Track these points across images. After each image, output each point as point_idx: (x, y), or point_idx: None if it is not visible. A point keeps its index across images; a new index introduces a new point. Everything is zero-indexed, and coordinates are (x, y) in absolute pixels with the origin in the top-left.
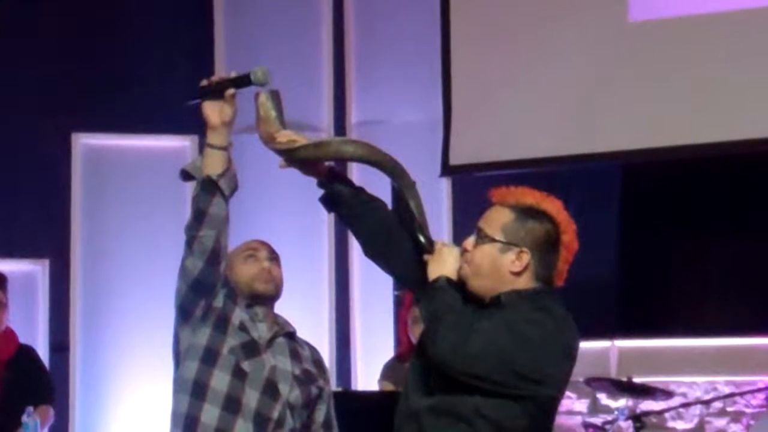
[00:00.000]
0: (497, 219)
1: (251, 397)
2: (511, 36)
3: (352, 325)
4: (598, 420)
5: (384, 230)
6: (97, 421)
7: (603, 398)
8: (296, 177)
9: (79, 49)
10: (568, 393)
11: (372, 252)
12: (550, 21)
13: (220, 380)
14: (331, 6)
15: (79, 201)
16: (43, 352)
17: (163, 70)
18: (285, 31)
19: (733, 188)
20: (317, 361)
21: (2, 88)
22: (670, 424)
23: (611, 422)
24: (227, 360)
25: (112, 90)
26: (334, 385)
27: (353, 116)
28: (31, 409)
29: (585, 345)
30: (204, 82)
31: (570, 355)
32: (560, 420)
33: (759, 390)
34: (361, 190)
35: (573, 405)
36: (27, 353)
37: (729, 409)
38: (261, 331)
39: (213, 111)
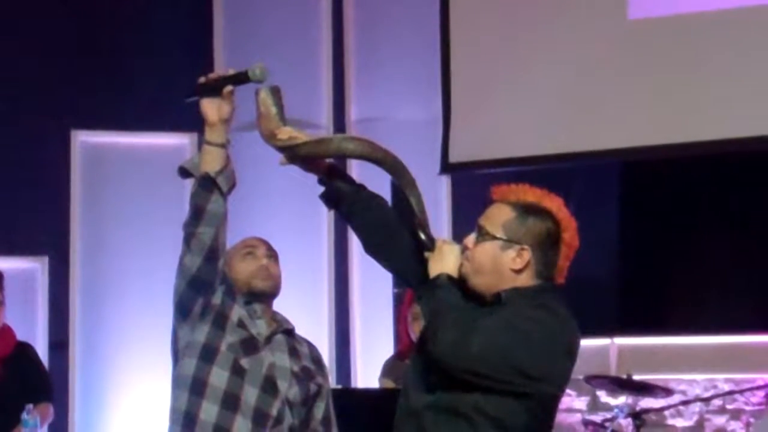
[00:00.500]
0: (498, 216)
1: (250, 394)
2: (511, 34)
3: (351, 322)
4: (597, 417)
5: (384, 227)
6: (96, 418)
7: (603, 396)
8: (295, 174)
9: (78, 47)
10: (567, 390)
11: (372, 249)
12: (549, 19)
13: (218, 377)
14: (330, 3)
15: (78, 198)
16: (42, 350)
17: (162, 67)
18: (284, 27)
19: (733, 186)
20: (316, 359)
21: (1, 86)
22: (670, 421)
23: (611, 420)
24: (226, 357)
25: (112, 87)
26: (333, 383)
27: (353, 113)
28: (31, 406)
29: (585, 342)
30: (202, 80)
31: (570, 353)
32: (560, 417)
33: (758, 388)
34: (361, 187)
35: (573, 402)
36: (25, 351)
37: (728, 406)
38: (260, 328)
39: (211, 108)
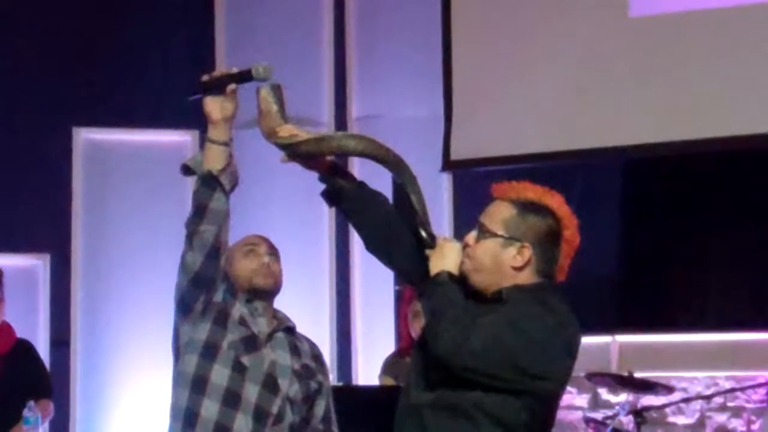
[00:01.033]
0: (499, 214)
1: (251, 392)
2: (512, 31)
3: (352, 319)
4: (598, 415)
5: (385, 225)
6: (97, 416)
7: (604, 393)
8: (297, 172)
9: (80, 44)
10: (568, 388)
11: (373, 247)
12: (551, 16)
13: (219, 375)
14: (332, 1)
15: (80, 195)
16: (43, 347)
17: (164, 64)
18: (286, 25)
19: (734, 183)
20: (317, 356)
21: (3, 83)
22: (671, 419)
23: (612, 417)
24: (227, 354)
25: (113, 84)
26: (334, 380)
27: (354, 111)
28: (32, 403)
29: (586, 340)
30: (205, 78)
31: (571, 351)
32: (561, 415)
33: (760, 385)
34: (362, 184)
35: (574, 400)
36: (24, 348)
37: (730, 404)
38: (261, 326)
39: (214, 106)
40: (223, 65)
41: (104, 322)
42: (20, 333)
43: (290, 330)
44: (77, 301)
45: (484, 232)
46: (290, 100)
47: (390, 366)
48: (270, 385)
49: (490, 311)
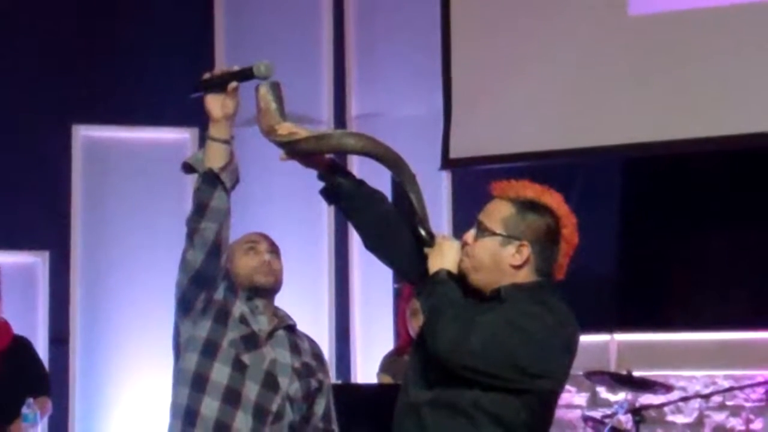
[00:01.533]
0: (497, 212)
1: (251, 390)
2: (511, 30)
3: (351, 317)
4: (597, 413)
5: (384, 223)
6: (96, 413)
7: (602, 392)
8: (296, 170)
9: (79, 42)
10: (567, 386)
11: (372, 245)
12: (550, 15)
13: (220, 373)
14: (331, 0)
15: (79, 193)
16: (42, 344)
17: (163, 61)
18: (285, 23)
19: (733, 182)
20: (317, 355)
21: (3, 81)
22: (670, 417)
23: (611, 416)
24: (227, 352)
25: (113, 82)
26: (333, 378)
27: (353, 109)
28: (31, 400)
29: (584, 338)
30: (206, 76)
31: (570, 349)
32: (560, 413)
33: (758, 384)
34: (361, 182)
35: (573, 398)
36: (21, 345)
37: (728, 403)
38: (261, 324)
39: (215, 104)
40: (222, 63)
41: (103, 319)
42: (19, 330)
43: (291, 328)
44: (76, 299)
45: (483, 231)
46: (290, 99)
47: (388, 364)
48: (270, 383)
49: (488, 310)
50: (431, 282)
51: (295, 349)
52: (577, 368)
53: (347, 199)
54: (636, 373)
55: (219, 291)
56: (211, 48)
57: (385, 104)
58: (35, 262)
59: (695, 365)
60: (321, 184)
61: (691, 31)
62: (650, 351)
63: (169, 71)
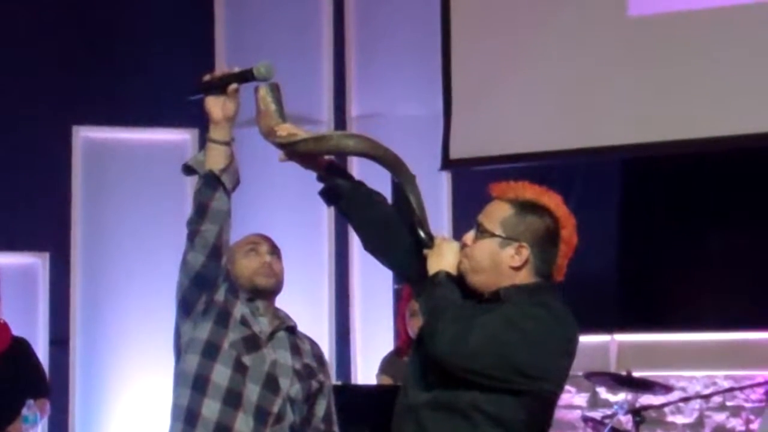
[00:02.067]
0: (497, 213)
1: (252, 391)
2: (512, 30)
3: (351, 319)
4: (597, 414)
5: (384, 224)
6: (96, 414)
7: (602, 392)
8: (296, 171)
9: (79, 42)
10: (567, 387)
11: (371, 246)
12: (549, 15)
13: (221, 374)
14: (331, 0)
15: (79, 194)
16: (43, 346)
17: (163, 62)
18: (285, 23)
19: (733, 183)
20: (318, 356)
21: (2, 81)
22: (670, 418)
23: (611, 416)
24: (228, 354)
25: (113, 83)
26: (333, 379)
27: (353, 110)
28: (31, 401)
29: (584, 339)
30: (207, 77)
31: (569, 350)
32: (560, 414)
33: (758, 384)
34: (360, 184)
35: (573, 399)
36: (21, 346)
37: (728, 403)
38: (262, 325)
39: (215, 106)
40: (223, 63)
41: (103, 320)
42: (20, 331)
43: (291, 329)
44: (76, 300)
45: (482, 232)
46: (290, 99)
47: (388, 365)
48: (271, 384)
49: (488, 311)
50: (430, 283)
51: (295, 351)
52: (577, 369)
53: (346, 200)
54: (636, 374)
55: (220, 292)
56: (212, 49)
57: (385, 105)
58: (35, 263)
59: (695, 366)
60: (320, 185)
61: (690, 31)
62: (650, 351)
63: (170, 72)
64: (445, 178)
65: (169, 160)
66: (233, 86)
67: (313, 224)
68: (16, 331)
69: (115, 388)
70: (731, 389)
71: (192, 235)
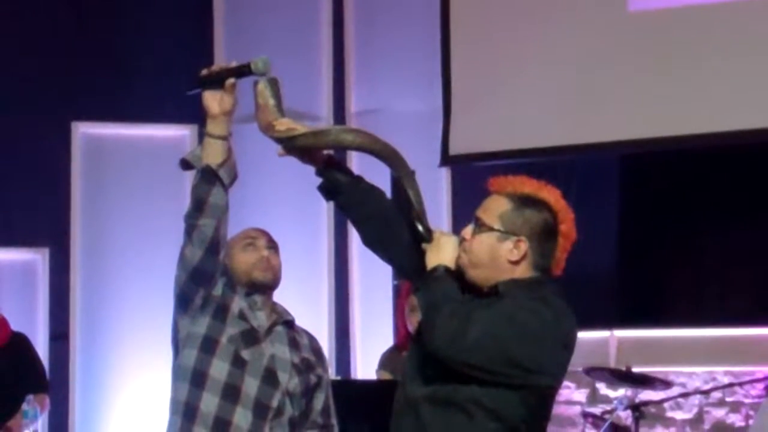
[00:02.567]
0: (495, 208)
1: (250, 386)
2: (511, 26)
3: (351, 314)
4: (597, 409)
5: (382, 219)
6: (96, 409)
7: (602, 388)
8: (295, 166)
9: (79, 38)
10: (567, 382)
11: (370, 241)
12: (549, 11)
13: (219, 369)
14: None
15: (78, 190)
16: (42, 341)
17: (162, 58)
18: (285, 19)
19: (732, 179)
20: (316, 350)
21: (2, 78)
22: (669, 413)
23: (610, 412)
24: (226, 349)
25: (112, 79)
26: (333, 374)
27: (353, 105)
28: (31, 397)
29: (584, 335)
30: (204, 72)
31: (568, 345)
32: (559, 409)
33: (758, 380)
34: (359, 178)
35: (572, 394)
36: (20, 341)
37: (728, 399)
38: (260, 320)
39: (213, 100)
40: (222, 60)
41: (103, 316)
42: (19, 327)
43: (289, 323)
44: (76, 295)
45: (481, 227)
46: (289, 95)
47: (387, 360)
48: (269, 379)
49: (486, 306)
50: (429, 278)
51: (294, 345)
52: (577, 364)
53: (345, 195)
54: (635, 369)
55: (217, 287)
56: (211, 45)
57: (384, 100)
58: (35, 258)
59: (695, 361)
60: (319, 180)
61: (690, 27)
62: (650, 347)
63: (168, 68)
64: (445, 174)
65: (168, 156)
66: (230, 81)
67: (312, 219)
68: (15, 327)
69: (115, 383)
70: (731, 385)
71: (190, 230)
